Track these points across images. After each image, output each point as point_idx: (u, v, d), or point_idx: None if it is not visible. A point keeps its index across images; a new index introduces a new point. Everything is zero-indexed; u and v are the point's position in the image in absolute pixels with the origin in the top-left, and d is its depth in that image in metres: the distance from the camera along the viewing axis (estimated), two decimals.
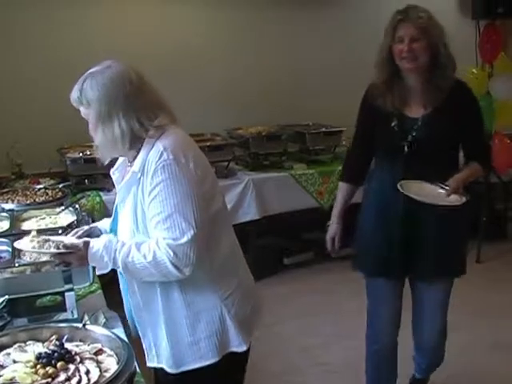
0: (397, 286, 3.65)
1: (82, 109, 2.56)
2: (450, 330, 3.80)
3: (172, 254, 2.39)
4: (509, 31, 7.71)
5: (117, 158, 2.76)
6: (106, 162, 2.67)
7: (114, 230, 2.75)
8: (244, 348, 2.65)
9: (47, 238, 2.69)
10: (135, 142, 2.52)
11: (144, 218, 2.51)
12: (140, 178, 2.50)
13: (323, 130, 6.63)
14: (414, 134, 3.39)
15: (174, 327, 2.58)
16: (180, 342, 2.60)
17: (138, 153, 2.53)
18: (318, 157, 6.64)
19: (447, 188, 3.32)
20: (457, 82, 3.44)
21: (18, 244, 2.78)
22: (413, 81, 3.40)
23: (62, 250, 2.55)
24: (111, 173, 2.80)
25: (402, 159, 3.42)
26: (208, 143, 6.01)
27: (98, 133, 2.52)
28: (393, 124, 3.43)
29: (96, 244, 2.52)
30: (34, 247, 2.65)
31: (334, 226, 3.76)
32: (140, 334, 2.67)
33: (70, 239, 2.69)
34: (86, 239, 2.60)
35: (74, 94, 2.55)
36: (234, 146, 6.33)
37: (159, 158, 2.43)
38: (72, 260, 2.56)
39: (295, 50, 7.08)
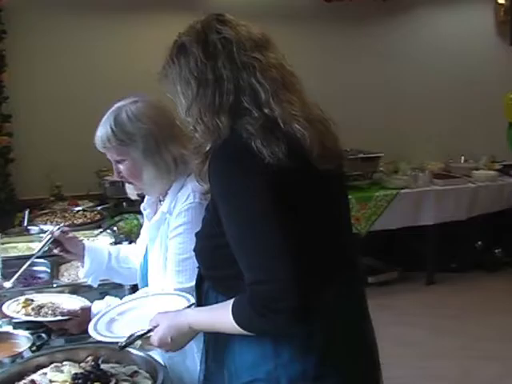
0: None
1: (116, 149, 2.46)
2: (485, 359, 3.72)
3: None
4: None
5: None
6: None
7: (144, 268, 2.70)
8: None
9: (40, 303, 2.65)
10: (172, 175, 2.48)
11: None
12: (167, 218, 2.48)
13: (361, 155, 6.61)
14: None
15: None
16: None
17: (169, 189, 2.50)
18: (355, 182, 6.60)
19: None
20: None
21: (6, 309, 2.64)
22: None
23: (60, 318, 2.52)
24: (142, 208, 2.74)
25: None
26: None
27: (147, 167, 2.45)
28: None
29: (97, 307, 2.50)
30: (28, 314, 2.58)
31: None
32: None
33: (67, 304, 2.65)
34: (85, 304, 2.57)
35: (106, 132, 2.44)
36: None
37: (186, 200, 2.40)
38: (70, 327, 2.53)
39: (332, 74, 7.10)
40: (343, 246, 1.98)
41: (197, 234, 2.05)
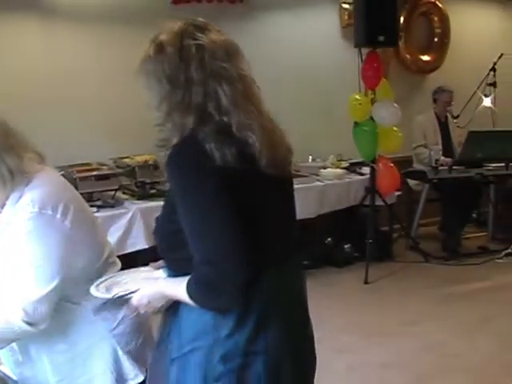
0: None
1: None
2: (340, 352, 3.81)
3: (23, 313, 2.29)
4: (389, 59, 7.98)
5: None
6: None
7: None
8: (141, 379, 2.57)
9: None
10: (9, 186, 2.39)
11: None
12: (7, 228, 2.39)
13: None
14: None
15: (62, 371, 2.47)
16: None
17: (7, 199, 2.41)
18: None
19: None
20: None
21: None
22: None
23: None
24: None
25: None
26: (94, 173, 5.92)
27: None
28: None
29: None
30: None
31: None
32: None
33: None
34: None
35: None
36: (121, 175, 6.22)
37: (25, 210, 2.33)
38: None
39: None
40: (280, 239, 2.19)
41: (157, 219, 2.22)
